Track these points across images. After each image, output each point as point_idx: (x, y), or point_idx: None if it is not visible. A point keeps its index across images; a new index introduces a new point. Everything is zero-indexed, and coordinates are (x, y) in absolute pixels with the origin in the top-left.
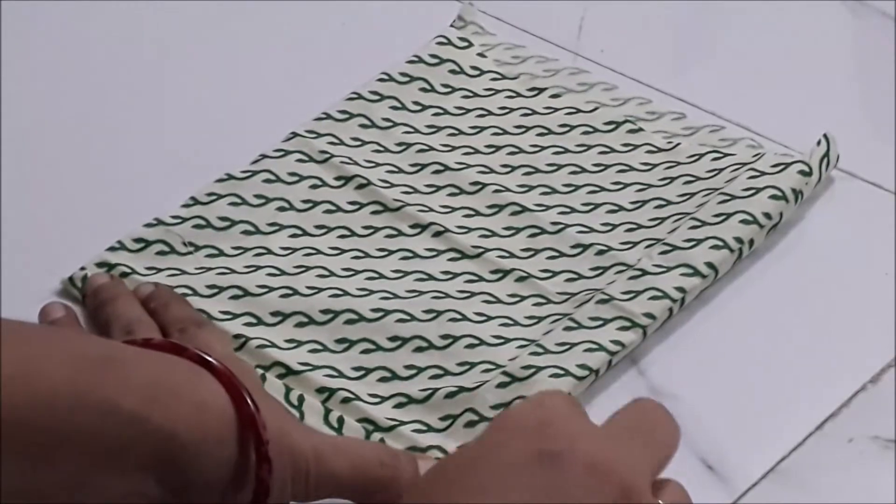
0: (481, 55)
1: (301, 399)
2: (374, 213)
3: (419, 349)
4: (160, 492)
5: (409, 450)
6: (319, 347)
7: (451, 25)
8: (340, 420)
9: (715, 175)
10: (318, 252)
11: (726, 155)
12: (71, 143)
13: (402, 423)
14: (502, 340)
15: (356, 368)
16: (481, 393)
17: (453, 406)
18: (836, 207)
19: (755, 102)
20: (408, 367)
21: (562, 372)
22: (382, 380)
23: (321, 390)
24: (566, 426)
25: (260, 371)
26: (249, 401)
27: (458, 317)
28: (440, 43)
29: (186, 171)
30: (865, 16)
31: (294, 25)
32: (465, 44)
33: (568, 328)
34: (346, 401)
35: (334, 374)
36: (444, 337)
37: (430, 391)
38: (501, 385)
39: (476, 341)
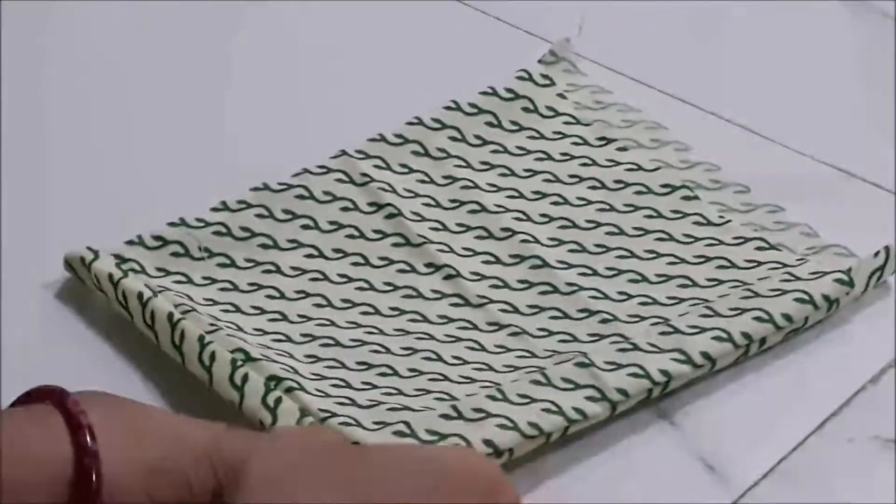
0: (561, 95)
1: (245, 379)
2: (394, 245)
3: (383, 375)
4: None
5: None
6: (284, 338)
7: (540, 61)
8: (278, 400)
9: (752, 268)
10: (325, 278)
11: (772, 247)
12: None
13: (335, 415)
14: (468, 380)
15: (315, 374)
16: (422, 414)
17: (391, 416)
18: (837, 208)
19: (755, 102)
20: (365, 383)
21: (510, 424)
22: (335, 386)
23: (271, 378)
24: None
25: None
26: None
27: (433, 357)
28: (520, 77)
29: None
30: (865, 16)
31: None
32: (547, 82)
33: (536, 381)
34: (290, 390)
35: (289, 370)
36: (412, 370)
37: (375, 402)
38: (445, 417)
39: (440, 377)
